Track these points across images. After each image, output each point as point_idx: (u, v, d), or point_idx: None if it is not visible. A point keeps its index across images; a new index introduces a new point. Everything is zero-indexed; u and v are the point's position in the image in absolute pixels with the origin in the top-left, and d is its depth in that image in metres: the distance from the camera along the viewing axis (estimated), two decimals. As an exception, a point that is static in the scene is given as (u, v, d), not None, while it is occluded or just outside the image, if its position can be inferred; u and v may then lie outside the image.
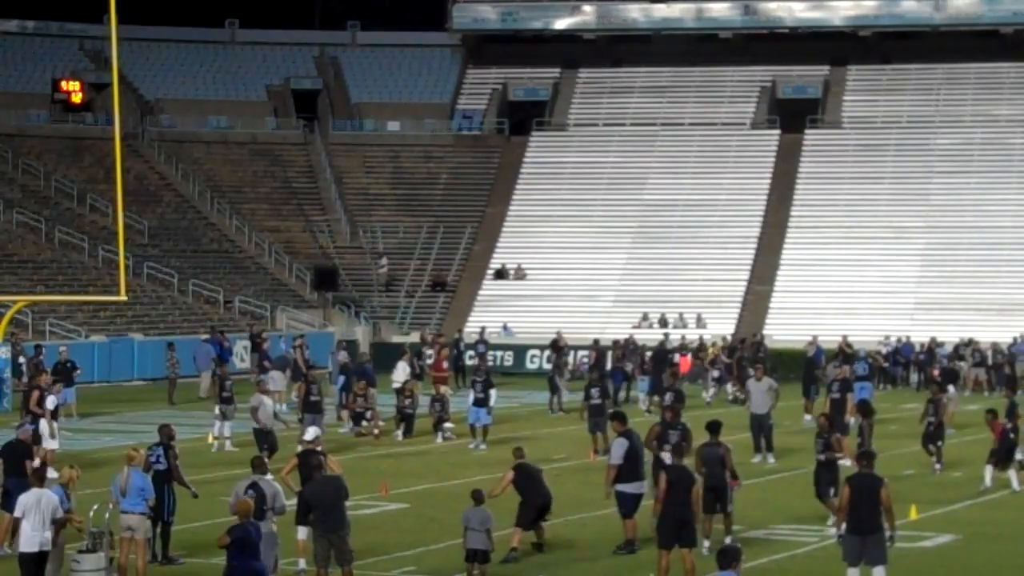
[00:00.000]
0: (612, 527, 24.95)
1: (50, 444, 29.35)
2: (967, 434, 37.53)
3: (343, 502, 20.52)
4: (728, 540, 23.24)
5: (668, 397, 35.22)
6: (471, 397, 38.16)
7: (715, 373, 50.87)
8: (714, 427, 24.86)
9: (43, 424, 29.84)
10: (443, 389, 40.74)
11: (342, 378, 42.57)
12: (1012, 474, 29.65)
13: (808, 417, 42.14)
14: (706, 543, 22.87)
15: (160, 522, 22.40)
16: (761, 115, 77.92)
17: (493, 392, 37.78)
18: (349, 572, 20.34)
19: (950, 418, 39.61)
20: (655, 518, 20.98)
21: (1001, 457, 29.64)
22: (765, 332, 60.71)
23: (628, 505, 23.79)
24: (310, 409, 35.54)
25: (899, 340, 56.87)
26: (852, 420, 34.54)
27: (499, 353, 60.90)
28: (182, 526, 22.78)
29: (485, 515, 21.21)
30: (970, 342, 54.80)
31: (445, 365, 43.27)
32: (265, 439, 32.16)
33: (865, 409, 27.97)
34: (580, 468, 32.18)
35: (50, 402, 32.78)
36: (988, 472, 29.44)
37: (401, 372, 42.13)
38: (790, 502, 26.56)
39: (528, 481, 23.45)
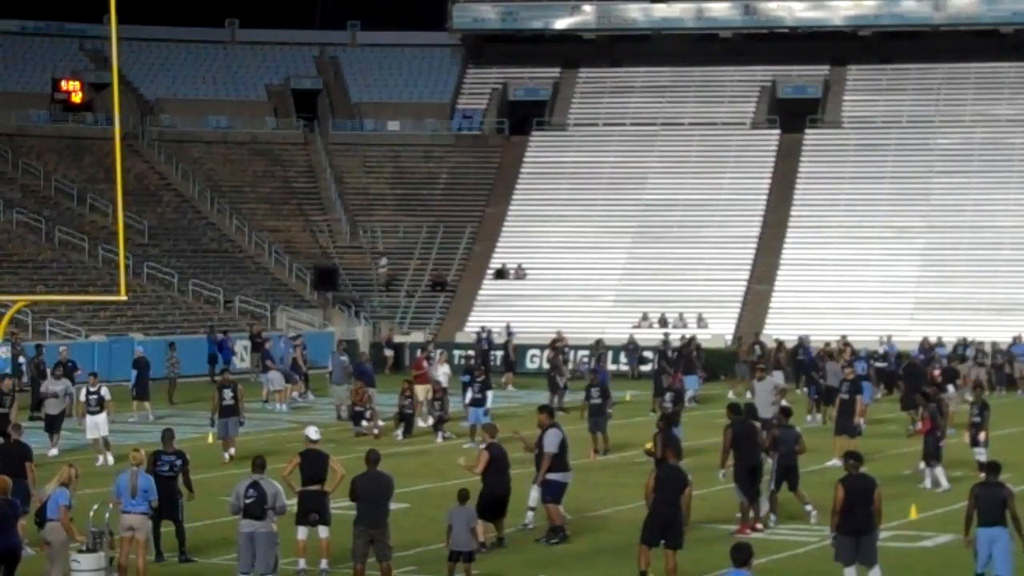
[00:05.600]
0: (612, 526, 25.02)
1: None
2: (962, 434, 37.44)
3: (389, 500, 20.63)
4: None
5: (667, 397, 35.26)
6: (468, 397, 38.23)
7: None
8: (789, 412, 26.99)
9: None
10: (418, 389, 40.78)
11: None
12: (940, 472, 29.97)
13: (810, 417, 42.21)
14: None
15: (174, 523, 22.61)
16: (761, 115, 77.92)
17: (490, 393, 37.97)
18: (388, 568, 20.42)
19: (950, 418, 39.61)
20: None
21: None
22: (766, 332, 60.63)
23: (555, 491, 24.37)
24: (224, 413, 34.46)
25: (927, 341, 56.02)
26: (862, 422, 34.49)
27: (499, 353, 60.88)
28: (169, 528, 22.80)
29: (470, 514, 21.24)
30: (970, 342, 54.71)
31: (425, 365, 43.21)
32: (55, 423, 34.68)
33: (754, 413, 27.40)
34: (580, 468, 32.09)
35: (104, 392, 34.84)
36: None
37: (439, 372, 42.50)
38: (790, 502, 26.56)
39: (497, 464, 23.64)
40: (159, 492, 22.23)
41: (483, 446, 24.42)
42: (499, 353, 57.94)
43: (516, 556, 23.27)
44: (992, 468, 20.20)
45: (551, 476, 24.42)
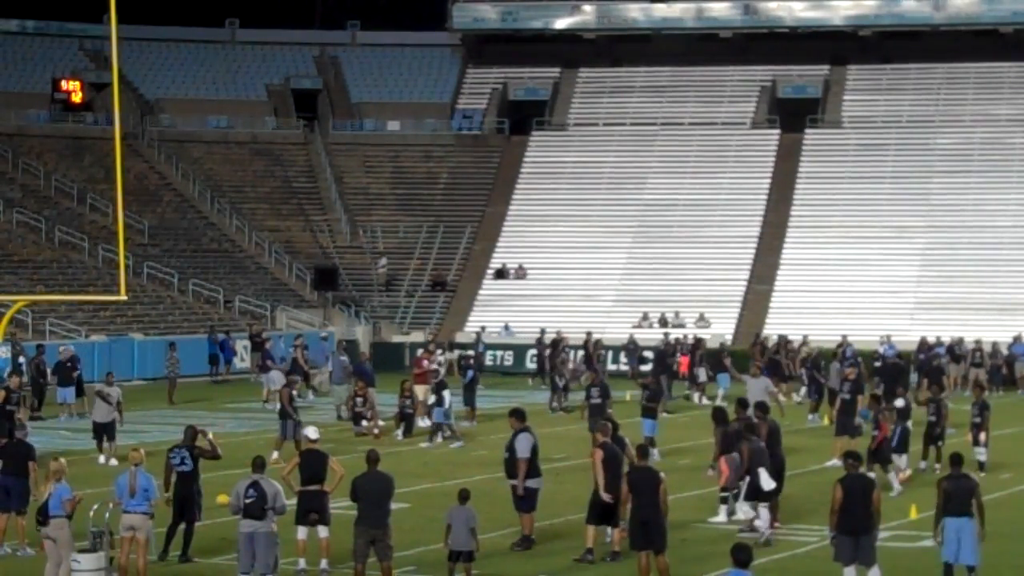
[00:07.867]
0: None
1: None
2: (964, 433, 37.47)
3: (389, 499, 20.61)
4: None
5: (643, 394, 35.39)
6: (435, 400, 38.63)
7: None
8: (766, 408, 26.82)
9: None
10: (418, 389, 40.81)
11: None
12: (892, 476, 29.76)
13: (812, 416, 42.25)
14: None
15: (185, 522, 22.63)
16: (761, 115, 77.93)
17: (446, 393, 38.11)
18: (388, 568, 20.43)
19: (946, 418, 39.55)
20: (623, 520, 20.93)
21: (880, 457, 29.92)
22: (766, 332, 60.62)
23: (530, 499, 23.90)
24: (288, 415, 34.58)
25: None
26: (862, 422, 34.47)
27: (499, 353, 60.94)
28: (181, 526, 22.81)
29: (470, 514, 21.20)
30: (961, 341, 54.63)
31: (425, 364, 43.17)
32: (105, 430, 33.82)
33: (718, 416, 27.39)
34: (580, 468, 32.06)
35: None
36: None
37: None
38: (789, 502, 26.58)
39: (609, 464, 23.04)
40: (177, 490, 22.33)
41: (595, 446, 23.54)
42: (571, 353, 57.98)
43: (516, 557, 23.27)
44: (957, 461, 20.72)
45: (526, 483, 23.90)
